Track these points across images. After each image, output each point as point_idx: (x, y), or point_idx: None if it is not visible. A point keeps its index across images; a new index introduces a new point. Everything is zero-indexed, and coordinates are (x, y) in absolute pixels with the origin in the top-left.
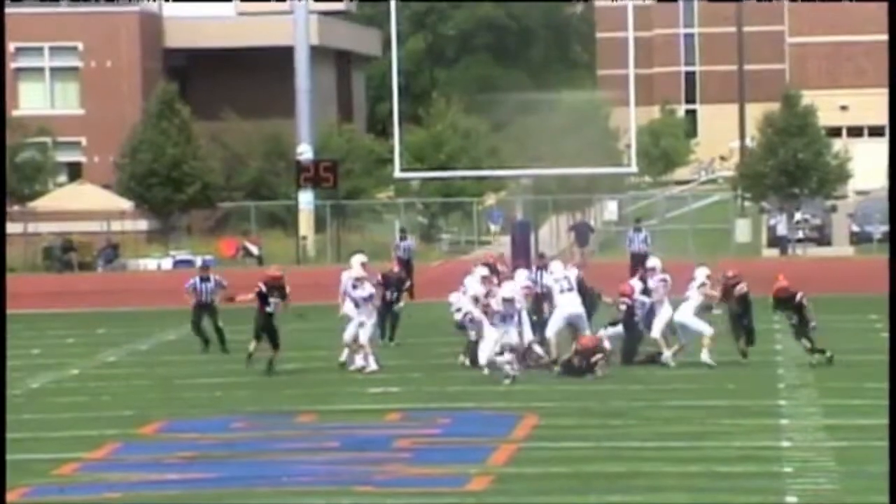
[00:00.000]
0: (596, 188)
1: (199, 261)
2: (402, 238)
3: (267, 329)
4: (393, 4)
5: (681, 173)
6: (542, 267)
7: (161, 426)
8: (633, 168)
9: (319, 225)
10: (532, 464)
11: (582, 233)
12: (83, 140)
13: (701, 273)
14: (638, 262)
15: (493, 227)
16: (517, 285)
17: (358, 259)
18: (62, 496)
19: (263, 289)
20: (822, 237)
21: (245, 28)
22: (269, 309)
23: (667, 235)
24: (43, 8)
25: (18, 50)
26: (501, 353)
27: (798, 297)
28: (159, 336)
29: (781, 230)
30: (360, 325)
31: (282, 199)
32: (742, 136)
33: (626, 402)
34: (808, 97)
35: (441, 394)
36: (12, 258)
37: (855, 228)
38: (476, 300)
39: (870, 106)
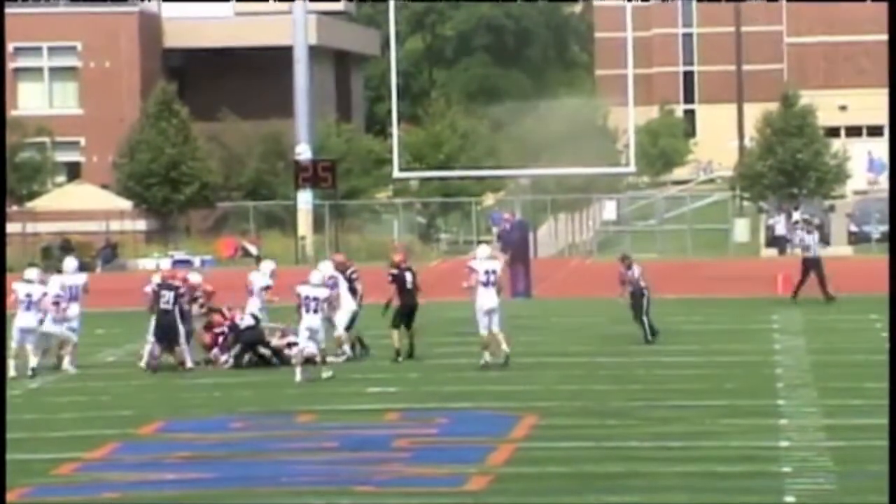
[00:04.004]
0: (594, 188)
1: (197, 261)
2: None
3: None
4: (392, 4)
5: (679, 173)
6: (629, 266)
7: (160, 426)
8: (632, 168)
9: (318, 225)
10: (531, 464)
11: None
12: (82, 140)
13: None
14: (811, 267)
15: (494, 229)
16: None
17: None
18: (62, 496)
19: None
20: (820, 237)
21: (243, 28)
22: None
23: (665, 235)
24: (42, 8)
25: (17, 50)
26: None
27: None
28: None
29: (780, 230)
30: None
31: (280, 199)
32: (741, 136)
33: (624, 402)
34: (806, 97)
35: (439, 394)
36: (11, 258)
37: (853, 228)
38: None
39: (868, 106)
